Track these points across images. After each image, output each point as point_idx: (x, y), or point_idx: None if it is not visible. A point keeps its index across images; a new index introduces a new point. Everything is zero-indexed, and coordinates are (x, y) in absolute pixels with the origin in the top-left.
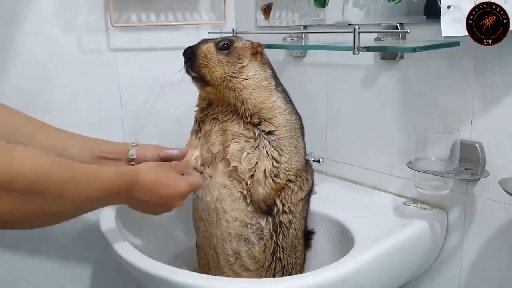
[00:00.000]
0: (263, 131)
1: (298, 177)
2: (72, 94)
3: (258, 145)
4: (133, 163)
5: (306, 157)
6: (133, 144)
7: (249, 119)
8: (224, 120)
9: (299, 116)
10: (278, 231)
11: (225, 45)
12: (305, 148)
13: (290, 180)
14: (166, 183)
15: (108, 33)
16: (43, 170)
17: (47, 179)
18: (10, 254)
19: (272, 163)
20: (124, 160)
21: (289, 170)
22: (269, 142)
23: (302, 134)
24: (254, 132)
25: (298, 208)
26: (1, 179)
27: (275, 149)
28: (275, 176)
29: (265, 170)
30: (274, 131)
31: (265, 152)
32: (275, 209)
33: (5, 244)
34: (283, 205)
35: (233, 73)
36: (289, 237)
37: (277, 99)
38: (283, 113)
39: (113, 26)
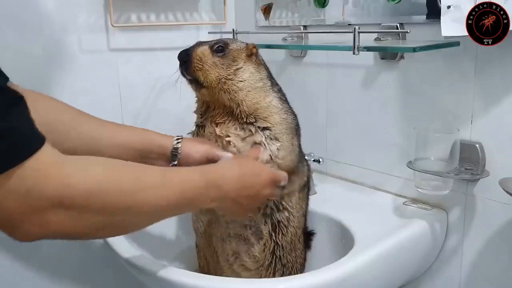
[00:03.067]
0: (259, 127)
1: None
2: (72, 94)
3: (255, 142)
4: (175, 162)
5: (306, 157)
6: (177, 138)
7: (245, 119)
8: (221, 122)
9: (295, 116)
10: (277, 230)
11: (220, 48)
12: (299, 147)
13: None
14: (251, 172)
15: (108, 33)
16: (100, 182)
17: (105, 192)
18: (10, 254)
19: (272, 152)
20: (168, 160)
21: (284, 162)
22: (265, 137)
23: (297, 133)
24: (251, 130)
25: (294, 204)
26: (57, 196)
27: (271, 140)
28: (279, 157)
29: (270, 156)
30: (270, 127)
31: (264, 145)
32: (268, 205)
33: (5, 244)
34: (280, 202)
35: (228, 75)
36: (289, 235)
37: (273, 99)
38: (279, 112)
39: (113, 26)
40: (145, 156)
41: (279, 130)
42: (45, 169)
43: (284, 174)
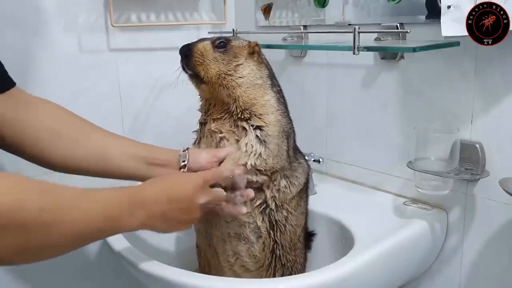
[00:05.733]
0: (252, 125)
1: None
2: (72, 94)
3: (247, 140)
4: (184, 170)
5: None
6: (184, 150)
7: (240, 115)
8: (218, 117)
9: (290, 120)
10: (275, 228)
11: (222, 43)
12: (288, 152)
13: (265, 174)
14: (176, 182)
15: (108, 33)
16: (20, 200)
17: (25, 210)
18: None
19: (256, 157)
20: (175, 167)
21: (267, 167)
22: (256, 136)
23: (289, 137)
24: (244, 127)
25: (291, 203)
26: None
27: (259, 141)
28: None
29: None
30: (263, 126)
31: (249, 145)
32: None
33: None
34: (275, 203)
35: (228, 71)
36: (287, 233)
37: (271, 98)
38: (275, 113)
39: (113, 26)
40: (151, 163)
41: (271, 132)
42: None
43: (220, 171)
